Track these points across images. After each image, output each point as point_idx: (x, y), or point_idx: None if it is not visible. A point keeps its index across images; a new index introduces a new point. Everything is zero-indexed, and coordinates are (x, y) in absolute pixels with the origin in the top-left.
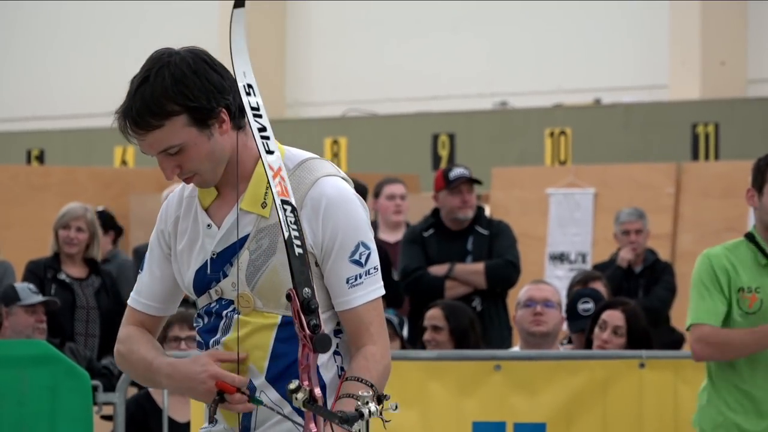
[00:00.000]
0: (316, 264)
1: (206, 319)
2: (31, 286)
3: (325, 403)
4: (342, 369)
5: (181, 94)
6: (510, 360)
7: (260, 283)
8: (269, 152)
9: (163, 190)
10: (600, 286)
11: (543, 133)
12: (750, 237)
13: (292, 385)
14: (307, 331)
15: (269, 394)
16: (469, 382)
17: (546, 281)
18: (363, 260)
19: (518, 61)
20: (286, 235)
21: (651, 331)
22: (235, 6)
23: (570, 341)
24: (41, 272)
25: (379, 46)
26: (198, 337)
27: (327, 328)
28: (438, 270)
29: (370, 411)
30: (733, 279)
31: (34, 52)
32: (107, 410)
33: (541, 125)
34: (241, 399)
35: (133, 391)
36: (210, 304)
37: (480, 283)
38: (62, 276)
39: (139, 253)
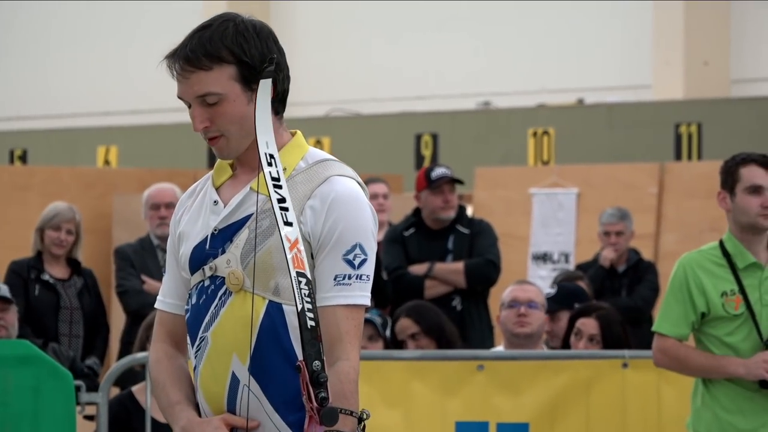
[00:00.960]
0: (311, 256)
1: (195, 299)
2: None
3: None
4: None
5: (238, 46)
6: (493, 360)
7: (253, 262)
8: (287, 224)
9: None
10: (582, 286)
11: (526, 133)
12: (722, 246)
13: None
14: (315, 404)
15: (252, 387)
16: (452, 382)
17: (530, 282)
18: (356, 263)
19: (501, 61)
20: (299, 307)
21: (629, 331)
22: (263, 77)
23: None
24: (24, 272)
25: (363, 46)
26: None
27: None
28: (418, 269)
29: None
30: (712, 284)
31: (16, 52)
32: (90, 410)
33: (525, 125)
34: None
35: (116, 391)
36: (203, 281)
37: (460, 282)
38: (45, 276)
39: (120, 254)
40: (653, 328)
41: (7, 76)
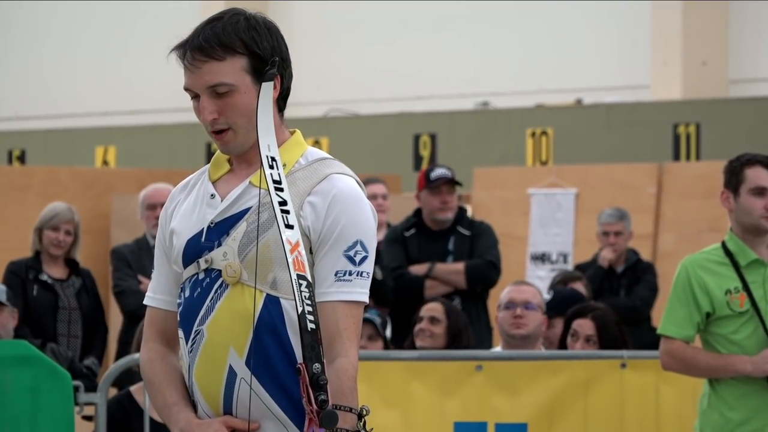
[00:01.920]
0: (311, 251)
1: (188, 292)
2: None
3: None
4: None
5: (251, 38)
6: (491, 360)
7: (251, 255)
8: (288, 227)
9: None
10: (580, 287)
11: (524, 133)
12: (724, 246)
13: None
14: (314, 406)
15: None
16: (450, 382)
17: (528, 282)
18: (357, 259)
19: (500, 62)
20: (299, 309)
21: (627, 331)
22: (265, 80)
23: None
24: (23, 273)
25: (361, 46)
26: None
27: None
28: (418, 269)
29: None
30: (716, 283)
31: (15, 52)
32: (89, 410)
33: (523, 125)
34: None
35: (114, 392)
36: (197, 274)
37: (460, 282)
38: (44, 277)
39: (117, 254)
40: (659, 332)
41: (6, 76)
